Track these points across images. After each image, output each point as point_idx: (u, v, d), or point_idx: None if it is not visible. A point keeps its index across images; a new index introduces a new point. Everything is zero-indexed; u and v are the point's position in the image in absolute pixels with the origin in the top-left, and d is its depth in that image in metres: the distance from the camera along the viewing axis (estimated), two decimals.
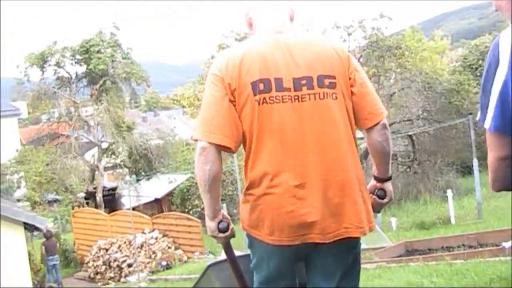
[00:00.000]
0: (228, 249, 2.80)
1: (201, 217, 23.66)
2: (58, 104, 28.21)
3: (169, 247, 18.56)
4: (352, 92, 2.60)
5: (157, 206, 27.50)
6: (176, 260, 18.11)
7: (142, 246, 18.42)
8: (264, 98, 2.50)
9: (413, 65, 25.56)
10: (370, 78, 21.74)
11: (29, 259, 15.58)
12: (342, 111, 2.55)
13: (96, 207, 24.90)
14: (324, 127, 2.52)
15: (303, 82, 2.52)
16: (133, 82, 27.95)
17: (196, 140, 2.57)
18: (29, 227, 15.36)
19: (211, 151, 2.50)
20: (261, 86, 2.51)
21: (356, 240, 2.61)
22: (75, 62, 27.31)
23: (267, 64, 2.53)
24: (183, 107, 38.99)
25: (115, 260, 18.79)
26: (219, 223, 2.64)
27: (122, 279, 18.14)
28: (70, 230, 24.85)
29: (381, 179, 2.79)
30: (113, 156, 27.39)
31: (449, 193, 18.01)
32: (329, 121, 2.53)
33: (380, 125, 2.62)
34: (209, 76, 2.63)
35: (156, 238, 18.70)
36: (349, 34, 24.02)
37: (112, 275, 18.75)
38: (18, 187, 25.46)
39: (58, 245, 21.49)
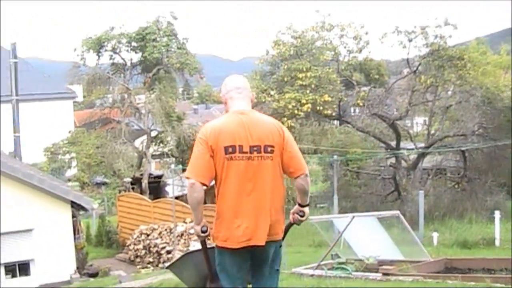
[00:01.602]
0: (203, 244, 4.60)
1: None
2: (113, 90, 28.59)
3: (208, 239, 18.62)
4: (283, 155, 4.31)
5: None
6: None
7: (182, 235, 18.55)
8: (231, 157, 4.22)
9: (474, 78, 24.42)
10: (427, 88, 21.18)
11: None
12: (274, 167, 4.29)
13: (141, 193, 25.20)
14: (262, 177, 4.24)
15: (255, 148, 4.24)
16: (186, 73, 28.01)
17: (187, 178, 4.22)
18: (76, 206, 15.78)
19: (197, 185, 4.20)
20: (230, 150, 4.21)
21: (274, 242, 4.36)
22: (131, 49, 27.46)
23: (234, 136, 4.23)
24: None
25: (155, 246, 19.01)
26: (202, 227, 4.35)
27: (160, 265, 18.34)
28: (115, 213, 25.29)
29: (302, 205, 4.47)
30: (161, 145, 27.64)
31: (497, 214, 17.44)
32: (265, 173, 4.25)
33: (303, 175, 4.34)
34: (198, 138, 4.33)
35: None
36: (410, 40, 23.12)
37: (151, 259, 18.99)
38: (69, 167, 26.03)
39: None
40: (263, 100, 22.92)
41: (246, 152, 4.22)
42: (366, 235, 11.75)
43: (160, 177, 28.30)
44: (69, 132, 26.91)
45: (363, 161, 25.90)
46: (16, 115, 19.66)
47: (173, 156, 27.22)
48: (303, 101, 21.85)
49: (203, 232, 4.37)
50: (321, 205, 25.18)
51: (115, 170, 24.97)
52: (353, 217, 11.45)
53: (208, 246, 4.63)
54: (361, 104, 23.58)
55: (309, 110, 22.15)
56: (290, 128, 22.78)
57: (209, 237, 4.51)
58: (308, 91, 22.03)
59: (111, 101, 28.76)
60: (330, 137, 30.18)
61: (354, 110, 28.85)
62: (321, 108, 22.45)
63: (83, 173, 24.63)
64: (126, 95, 27.89)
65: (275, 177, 4.31)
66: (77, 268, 15.66)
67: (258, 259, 4.40)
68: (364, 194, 24.15)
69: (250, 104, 4.51)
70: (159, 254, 18.84)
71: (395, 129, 24.08)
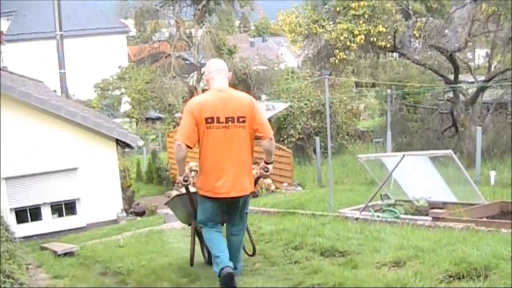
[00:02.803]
0: (187, 189, 5.75)
1: (296, 147, 23.15)
2: (169, 24, 28.15)
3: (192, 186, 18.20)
4: (253, 124, 5.43)
5: None
6: (263, 189, 17.92)
7: None
8: (210, 126, 5.34)
9: None
10: (488, 18, 19.59)
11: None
12: (246, 134, 5.46)
13: None
14: (236, 143, 5.42)
15: (230, 119, 5.36)
16: (236, 4, 27.16)
17: (176, 140, 5.35)
18: (122, 144, 15.62)
19: (183, 146, 5.31)
20: (209, 120, 5.33)
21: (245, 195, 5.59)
22: None
23: (213, 109, 5.35)
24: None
25: None
26: (184, 177, 5.54)
27: None
28: None
29: (267, 163, 5.64)
30: None
31: None
32: (239, 139, 5.42)
33: (268, 138, 5.50)
34: (185, 109, 5.47)
35: None
36: None
37: None
38: (119, 103, 26.02)
39: None
40: (314, 31, 21.99)
41: (222, 122, 5.35)
42: (417, 175, 11.14)
43: None
44: (119, 67, 26.74)
45: (420, 95, 24.89)
46: (60, 51, 19.40)
47: None
48: (356, 32, 20.87)
49: (184, 181, 5.58)
50: (377, 140, 24.61)
51: (166, 105, 24.82)
52: (403, 156, 10.83)
53: (192, 191, 5.80)
54: (417, 35, 22.36)
55: (362, 41, 21.16)
56: (342, 60, 21.93)
57: (190, 185, 5.69)
58: (361, 22, 20.99)
59: (168, 35, 28.37)
60: (389, 70, 29.11)
61: (411, 41, 27.53)
62: (375, 39, 21.42)
63: (133, 109, 24.56)
64: (175, 29, 27.42)
65: (247, 143, 5.48)
66: (124, 207, 15.67)
67: (233, 208, 5.63)
68: (421, 129, 23.26)
69: (228, 82, 5.60)
70: None
71: (453, 62, 22.80)
